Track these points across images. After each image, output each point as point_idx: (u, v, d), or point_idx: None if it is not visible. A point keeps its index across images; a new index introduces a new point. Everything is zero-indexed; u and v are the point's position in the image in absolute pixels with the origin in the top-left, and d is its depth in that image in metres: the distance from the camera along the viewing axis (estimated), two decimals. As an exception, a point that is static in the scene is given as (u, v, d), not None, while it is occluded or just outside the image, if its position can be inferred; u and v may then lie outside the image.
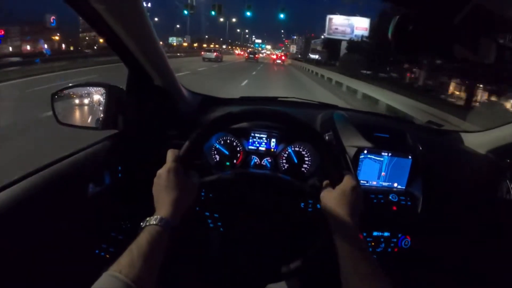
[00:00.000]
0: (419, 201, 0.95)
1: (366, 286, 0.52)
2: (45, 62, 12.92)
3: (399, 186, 0.99)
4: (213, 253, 0.75)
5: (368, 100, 9.63)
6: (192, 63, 18.99)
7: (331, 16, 30.04)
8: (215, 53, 25.65)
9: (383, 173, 0.98)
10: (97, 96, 0.87)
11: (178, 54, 31.38)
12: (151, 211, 0.58)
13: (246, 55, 38.98)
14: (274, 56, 46.15)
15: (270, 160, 1.02)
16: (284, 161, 1.02)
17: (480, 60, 0.69)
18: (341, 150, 0.96)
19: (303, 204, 0.74)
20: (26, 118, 4.47)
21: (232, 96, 1.38)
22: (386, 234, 0.95)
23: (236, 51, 78.89)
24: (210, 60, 24.27)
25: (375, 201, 0.94)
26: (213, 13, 21.88)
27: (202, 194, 0.73)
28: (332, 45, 30.13)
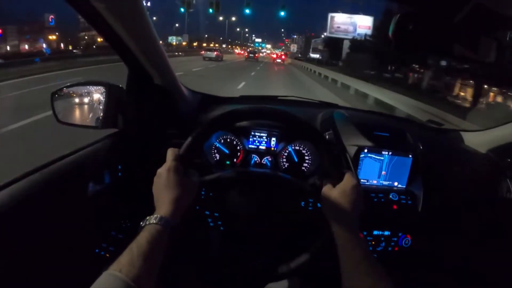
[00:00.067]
0: (420, 200, 0.95)
1: (366, 285, 0.52)
2: (45, 61, 12.87)
3: (399, 185, 0.99)
4: (213, 252, 0.75)
5: (382, 107, 7.98)
6: (188, 63, 18.19)
7: (333, 14, 29.52)
8: (215, 52, 25.64)
9: (383, 172, 0.97)
10: (97, 95, 0.86)
11: (176, 53, 30.74)
12: (151, 210, 0.58)
13: (246, 54, 38.95)
14: (274, 56, 46.18)
15: (270, 159, 1.02)
16: (285, 160, 1.02)
17: (480, 59, 0.70)
18: (341, 149, 0.96)
19: (303, 203, 0.74)
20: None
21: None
22: (386, 233, 0.95)
23: (236, 50, 79.11)
24: (210, 59, 24.24)
25: (375, 200, 0.94)
26: (210, 10, 20.81)
27: (202, 193, 0.73)
28: (334, 44, 29.64)
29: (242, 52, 61.21)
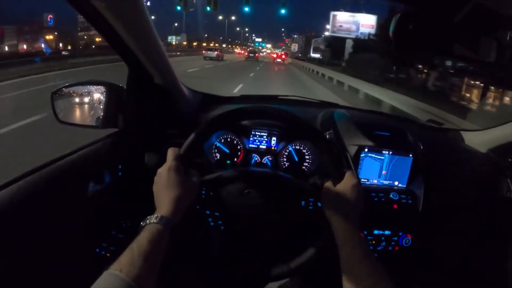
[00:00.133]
0: (420, 199, 0.95)
1: (367, 285, 0.52)
2: (45, 61, 12.86)
3: (400, 185, 0.99)
4: (213, 251, 0.75)
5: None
6: (186, 63, 17.48)
7: (335, 12, 28.99)
8: (216, 52, 25.66)
9: (383, 172, 0.97)
10: (97, 94, 0.86)
11: (175, 53, 30.35)
12: (151, 210, 0.58)
13: (246, 54, 38.95)
14: (275, 55, 46.23)
15: (270, 159, 1.02)
16: (285, 159, 1.02)
17: (480, 59, 0.70)
18: (341, 149, 0.96)
19: (303, 202, 0.74)
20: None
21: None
22: (387, 232, 0.95)
23: (236, 50, 79.26)
24: (211, 58, 24.23)
25: (375, 199, 0.94)
26: (208, 8, 19.90)
27: (203, 192, 0.73)
28: (336, 43, 29.00)
29: (242, 51, 61.28)
